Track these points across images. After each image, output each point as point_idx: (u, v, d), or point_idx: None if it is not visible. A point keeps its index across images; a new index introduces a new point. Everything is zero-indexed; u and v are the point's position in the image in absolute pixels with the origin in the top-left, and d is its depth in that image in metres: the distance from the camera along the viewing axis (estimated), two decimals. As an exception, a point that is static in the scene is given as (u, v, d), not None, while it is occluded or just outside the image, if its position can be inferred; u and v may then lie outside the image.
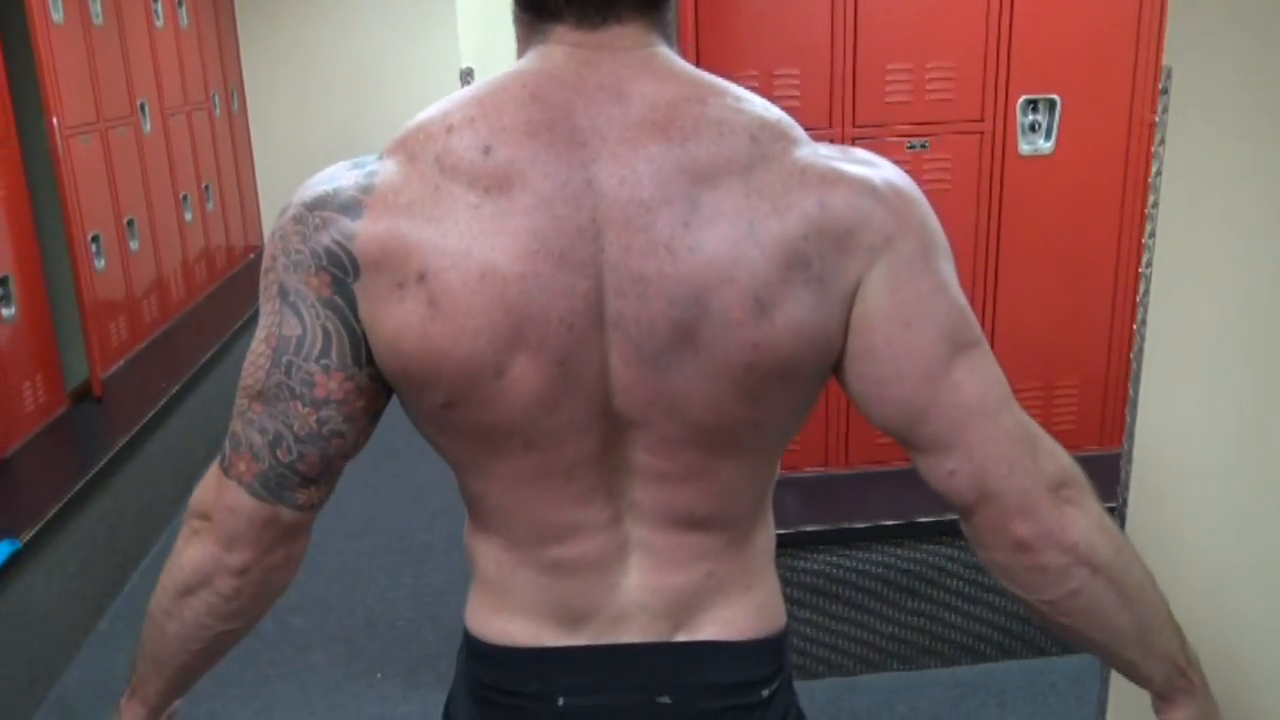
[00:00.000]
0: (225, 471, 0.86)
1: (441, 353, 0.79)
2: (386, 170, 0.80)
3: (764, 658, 0.94)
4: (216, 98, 5.61)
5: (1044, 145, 2.64)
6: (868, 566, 2.63)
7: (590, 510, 0.88)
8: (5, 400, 3.13)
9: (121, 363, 4.03)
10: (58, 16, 3.65)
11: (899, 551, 2.63)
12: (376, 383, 0.84)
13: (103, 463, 3.16)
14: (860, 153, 0.85)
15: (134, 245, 4.24)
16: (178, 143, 4.88)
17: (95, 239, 3.86)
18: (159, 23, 4.75)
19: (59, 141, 3.56)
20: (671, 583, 0.90)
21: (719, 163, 0.79)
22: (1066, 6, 2.56)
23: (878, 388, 0.83)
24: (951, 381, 0.82)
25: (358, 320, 0.81)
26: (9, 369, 3.17)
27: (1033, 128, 2.63)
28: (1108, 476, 2.67)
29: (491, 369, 0.79)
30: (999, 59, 2.57)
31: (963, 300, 0.84)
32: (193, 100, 5.18)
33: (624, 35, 0.82)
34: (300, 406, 0.83)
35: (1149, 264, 1.33)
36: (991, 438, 0.82)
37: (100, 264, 3.90)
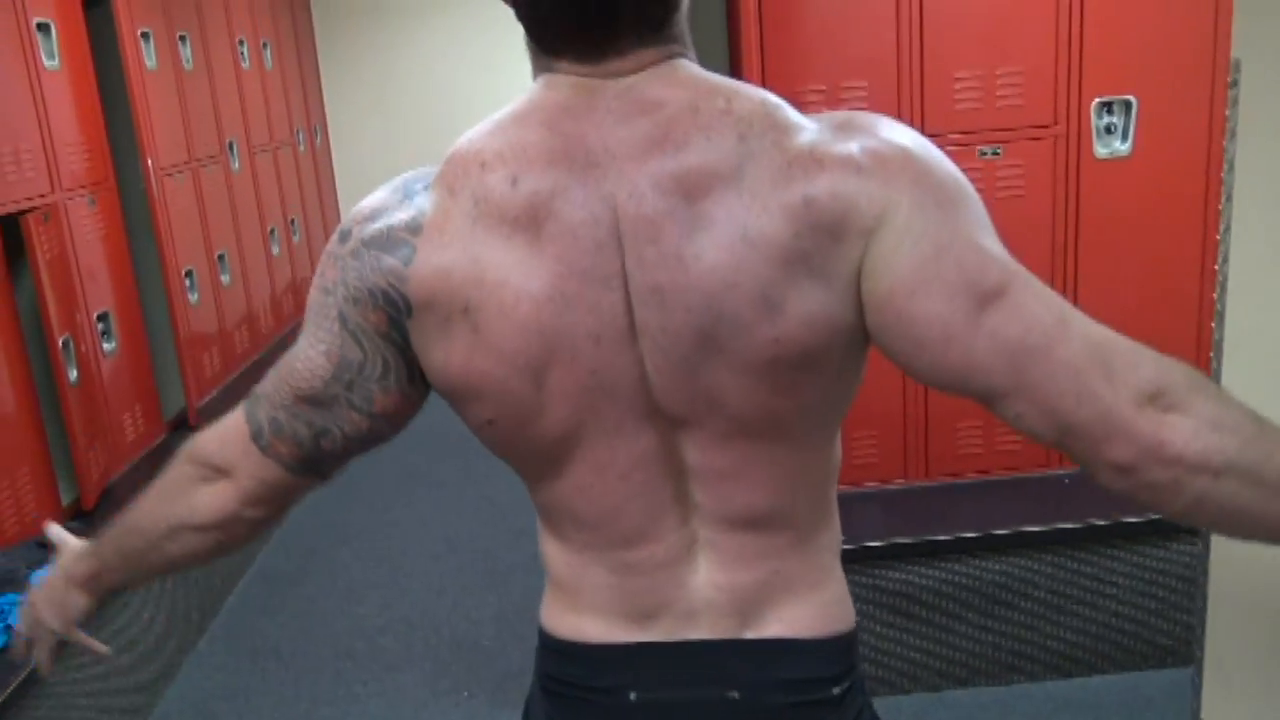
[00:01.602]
0: (263, 450, 0.93)
1: (483, 374, 0.85)
2: (433, 207, 0.85)
3: (832, 656, 0.95)
4: (300, 134, 5.80)
5: (1120, 148, 2.59)
6: (951, 579, 2.59)
7: (654, 513, 0.91)
8: (108, 431, 3.27)
9: (215, 392, 4.18)
10: (151, 63, 3.82)
11: (983, 564, 2.59)
12: (426, 392, 0.93)
13: (199, 488, 3.26)
14: (858, 119, 0.84)
15: (225, 279, 4.40)
16: (264, 179, 5.06)
17: (189, 274, 4.01)
18: (245, 65, 4.93)
19: (154, 181, 3.72)
20: (738, 581, 0.92)
21: (709, 169, 0.80)
22: (1139, 4, 2.52)
23: (905, 358, 0.82)
24: (985, 332, 0.78)
25: (410, 349, 0.88)
26: (111, 401, 3.31)
27: (1108, 130, 2.58)
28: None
29: (529, 385, 0.85)
30: (1070, 61, 2.53)
31: (981, 243, 0.80)
32: (278, 138, 5.36)
33: (625, 63, 0.84)
34: (355, 415, 0.91)
35: (1224, 260, 1.30)
36: (1048, 374, 0.78)
37: (194, 298, 4.06)
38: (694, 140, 0.81)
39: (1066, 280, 2.65)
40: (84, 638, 1.11)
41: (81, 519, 2.97)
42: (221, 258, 4.37)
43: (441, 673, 2.94)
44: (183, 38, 4.16)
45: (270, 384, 0.93)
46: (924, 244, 0.79)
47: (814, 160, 0.81)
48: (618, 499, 0.90)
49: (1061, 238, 2.63)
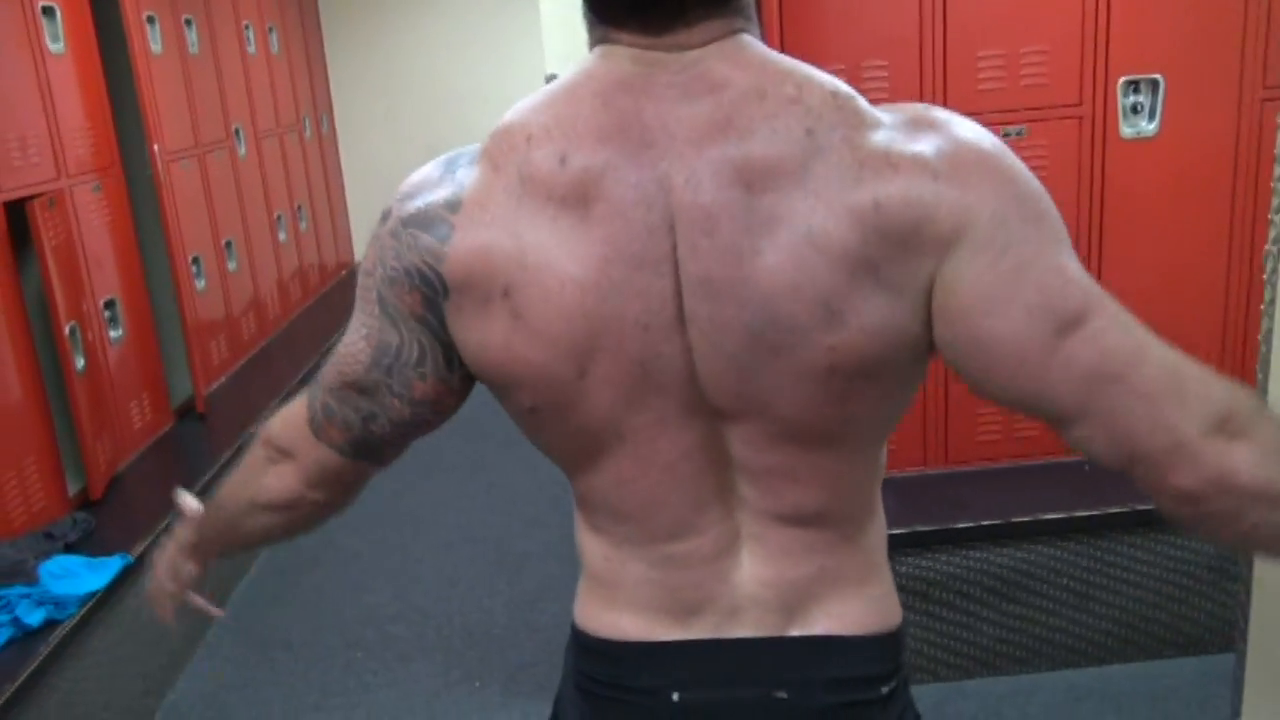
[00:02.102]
0: (316, 434, 0.94)
1: (524, 360, 0.82)
2: (474, 182, 0.81)
3: (882, 653, 0.91)
4: (307, 120, 5.76)
5: (1147, 128, 2.53)
6: (971, 567, 2.55)
7: (698, 505, 0.87)
8: (115, 419, 3.24)
9: (223, 379, 4.15)
10: (156, 47, 3.77)
11: (1003, 551, 2.55)
12: (468, 381, 0.89)
13: (208, 477, 3.24)
14: (933, 114, 0.79)
15: (232, 265, 4.36)
16: (271, 165, 5.02)
17: (196, 260, 3.97)
18: (251, 50, 4.88)
19: (160, 167, 3.68)
20: (785, 576, 0.88)
21: (774, 163, 0.76)
22: (1167, -18, 2.46)
23: (973, 376, 0.79)
24: (1061, 359, 0.75)
25: (447, 333, 0.86)
26: (118, 389, 3.28)
27: (1134, 109, 2.53)
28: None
29: (573, 373, 0.81)
30: (1096, 40, 2.47)
31: (1063, 264, 0.76)
32: (284, 124, 5.32)
33: (691, 35, 0.80)
34: (398, 403, 0.89)
35: (1276, 240, 1.25)
36: (1122, 404, 0.75)
37: (201, 284, 4.02)
38: (759, 129, 0.76)
39: (1091, 262, 2.60)
40: (198, 600, 1.16)
41: (88, 509, 2.94)
42: (229, 244, 4.33)
43: (453, 662, 2.91)
44: (188, 22, 4.11)
45: (325, 369, 0.93)
46: (1005, 261, 0.75)
47: (887, 162, 0.76)
48: (661, 491, 0.86)
49: (1086, 219, 2.58)
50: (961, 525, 2.53)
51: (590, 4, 0.83)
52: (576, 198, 0.78)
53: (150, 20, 3.73)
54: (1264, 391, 1.29)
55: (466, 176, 0.82)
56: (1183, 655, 2.59)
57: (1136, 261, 2.61)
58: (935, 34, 2.45)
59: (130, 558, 2.68)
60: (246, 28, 4.84)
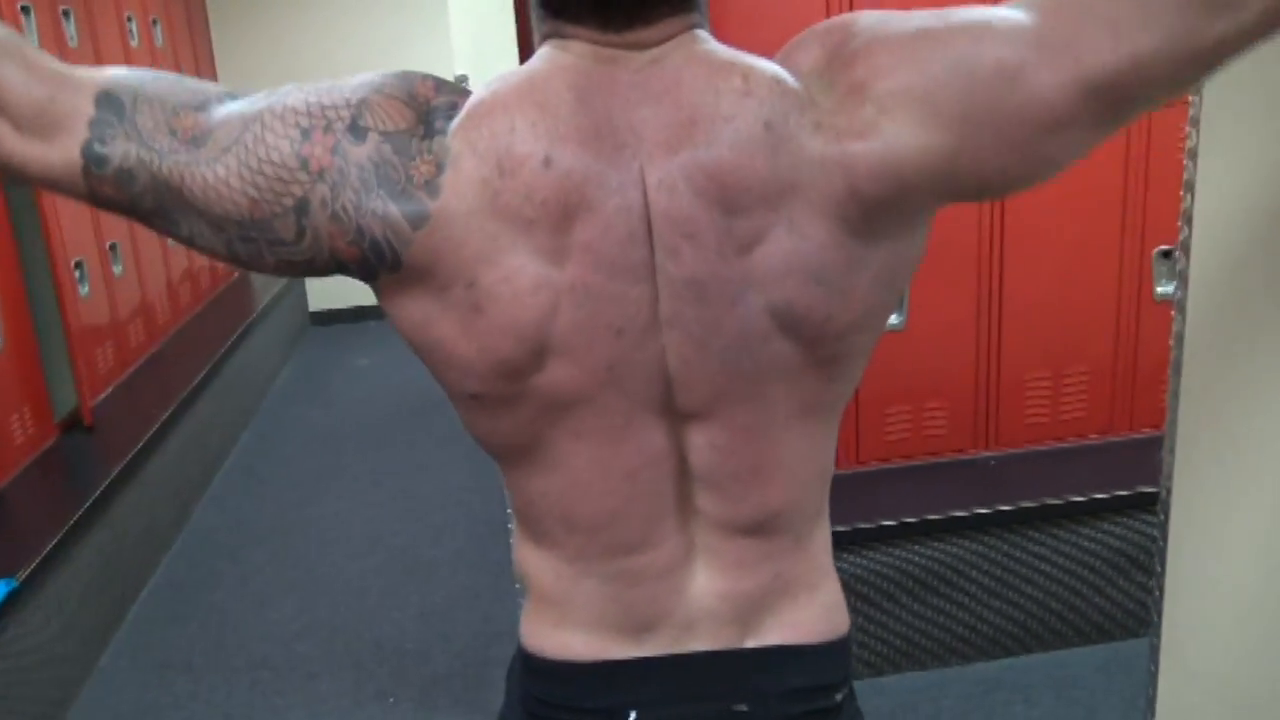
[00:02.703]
0: (85, 174, 0.77)
1: (481, 349, 0.79)
2: (452, 164, 0.76)
3: (835, 661, 0.92)
4: (194, 117, 5.54)
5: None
6: (885, 564, 2.59)
7: (656, 516, 0.86)
8: (-6, 434, 3.06)
9: (110, 389, 3.96)
10: (32, 39, 3.58)
11: (916, 548, 2.60)
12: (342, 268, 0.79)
13: (97, 493, 3.09)
14: (843, 47, 0.77)
15: (117, 269, 4.17)
16: (158, 164, 4.81)
17: (79, 265, 3.78)
18: (134, 43, 4.68)
19: (38, 167, 3.49)
20: (739, 588, 0.88)
21: (745, 169, 0.75)
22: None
23: (966, 167, 0.75)
24: (985, 76, 0.72)
25: (364, 281, 0.80)
26: (-3, 402, 3.10)
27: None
28: (1124, 463, 2.67)
29: (531, 368, 0.79)
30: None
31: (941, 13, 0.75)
32: (171, 120, 5.11)
33: (650, 33, 0.78)
34: (218, 247, 0.79)
35: (1183, 245, 1.29)
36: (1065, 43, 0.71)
37: (84, 290, 3.83)
38: (720, 130, 0.75)
39: (993, 263, 2.67)
40: None
41: (-32, 530, 2.77)
42: (113, 247, 4.14)
43: (364, 679, 2.83)
44: (66, 13, 3.91)
45: (152, 124, 0.77)
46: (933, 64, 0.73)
47: (850, 133, 0.75)
48: (620, 500, 0.84)
49: (988, 221, 2.65)
50: (874, 524, 2.57)
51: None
52: (558, 202, 0.75)
53: (25, 10, 3.54)
54: (1175, 395, 1.33)
55: (444, 150, 0.76)
56: (1090, 644, 2.68)
57: (1035, 261, 2.68)
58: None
59: (14, 582, 2.53)
60: (129, 19, 4.63)
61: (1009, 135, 0.74)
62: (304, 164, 0.76)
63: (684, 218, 0.76)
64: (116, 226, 4.19)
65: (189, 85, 0.81)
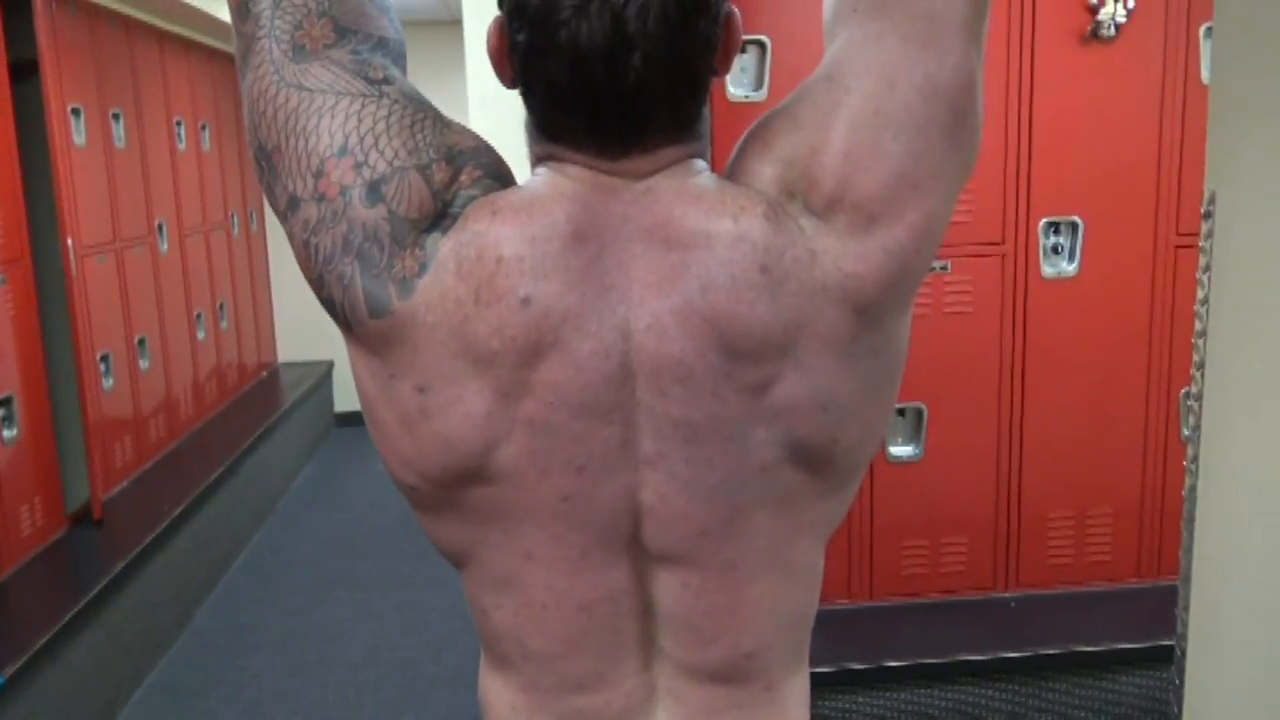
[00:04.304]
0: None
1: (418, 451, 0.77)
2: (438, 267, 0.74)
3: None
4: (235, 218, 5.67)
5: (1067, 268, 2.58)
6: (891, 709, 2.48)
7: (614, 654, 0.81)
8: (1, 524, 3.05)
9: (125, 484, 3.95)
10: (79, 139, 3.69)
11: (926, 692, 2.48)
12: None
13: (96, 589, 3.04)
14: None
15: (144, 364, 4.21)
16: (194, 262, 4.90)
17: (105, 358, 3.82)
18: (181, 146, 4.82)
19: (72, 262, 3.56)
20: None
21: (742, 310, 0.74)
22: (1086, 129, 2.54)
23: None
24: (925, 110, 0.76)
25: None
26: (7, 492, 3.09)
27: (1055, 250, 2.58)
28: (1151, 612, 2.56)
29: (470, 482, 0.77)
30: (1019, 182, 2.54)
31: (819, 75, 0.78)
32: (211, 221, 5.22)
33: (647, 161, 0.77)
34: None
35: (1199, 396, 1.24)
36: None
37: (108, 383, 3.86)
38: (715, 275, 0.74)
39: (1014, 398, 2.62)
40: None
41: (-38, 622, 2.73)
42: (141, 341, 4.19)
43: (351, 799, 2.72)
44: (116, 115, 4.04)
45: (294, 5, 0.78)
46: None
47: (849, 255, 0.75)
48: (575, 631, 0.80)
49: (1009, 355, 2.61)
50: (886, 664, 2.47)
51: (541, 123, 0.78)
52: (527, 340, 0.73)
53: (75, 112, 3.66)
54: (1189, 550, 1.27)
55: (432, 250, 0.75)
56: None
57: (1058, 397, 2.63)
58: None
59: (2, 679, 2.48)
60: (178, 124, 4.78)
61: (955, 133, 0.79)
62: (317, 173, 0.75)
63: (675, 361, 0.74)
64: (147, 319, 4.25)
65: (373, 8, 0.81)
